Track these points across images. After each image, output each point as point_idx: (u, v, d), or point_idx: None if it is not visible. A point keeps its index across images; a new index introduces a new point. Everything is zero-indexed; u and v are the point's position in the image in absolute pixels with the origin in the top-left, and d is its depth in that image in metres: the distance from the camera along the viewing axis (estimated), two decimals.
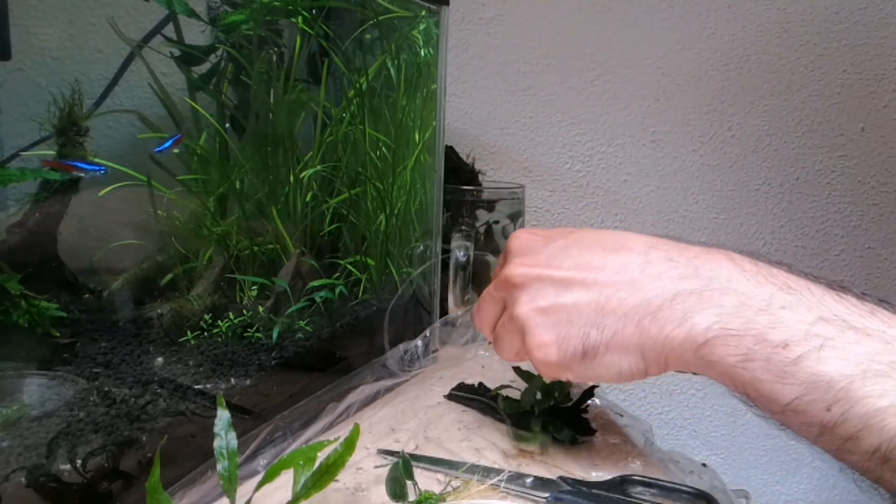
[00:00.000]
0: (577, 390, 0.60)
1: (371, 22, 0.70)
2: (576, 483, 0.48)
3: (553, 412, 0.57)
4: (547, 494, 0.47)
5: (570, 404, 0.58)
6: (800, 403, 0.38)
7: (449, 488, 0.47)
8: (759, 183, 1.15)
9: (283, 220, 0.63)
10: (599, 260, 0.45)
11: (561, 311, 0.45)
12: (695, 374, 0.43)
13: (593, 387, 0.59)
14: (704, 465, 0.55)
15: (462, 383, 0.65)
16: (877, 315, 0.38)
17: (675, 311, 0.41)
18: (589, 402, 0.59)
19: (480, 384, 0.64)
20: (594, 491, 0.47)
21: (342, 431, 0.54)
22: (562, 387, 0.58)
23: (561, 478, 0.49)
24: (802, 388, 0.37)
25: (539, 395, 0.58)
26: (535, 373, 0.58)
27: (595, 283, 0.44)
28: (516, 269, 0.47)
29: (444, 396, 0.64)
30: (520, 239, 0.50)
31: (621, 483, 0.49)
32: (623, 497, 0.47)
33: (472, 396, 0.63)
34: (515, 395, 0.60)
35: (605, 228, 1.13)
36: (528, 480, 0.49)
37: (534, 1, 1.06)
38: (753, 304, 0.40)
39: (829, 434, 0.37)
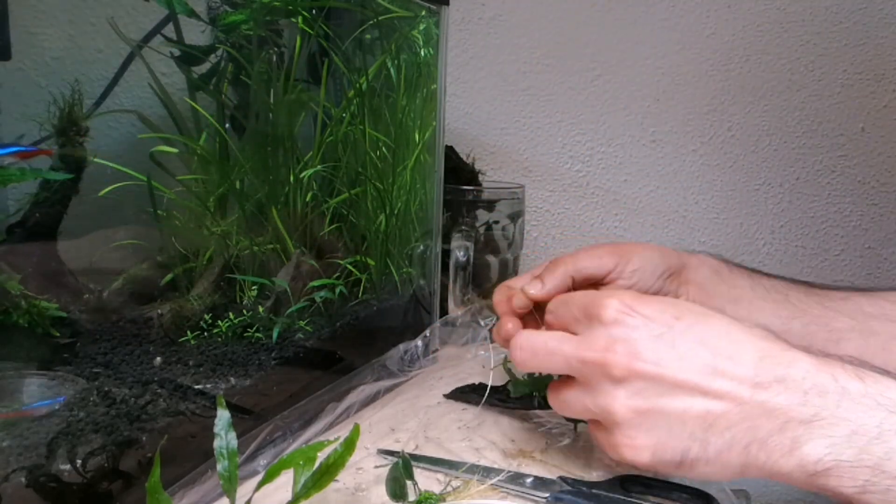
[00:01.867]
0: None
1: (371, 22, 0.70)
2: (576, 483, 0.48)
3: None
4: (547, 494, 0.47)
5: None
6: None
7: (449, 488, 0.47)
8: (759, 183, 1.15)
9: (283, 220, 0.62)
10: (709, 366, 0.41)
11: (661, 417, 0.42)
12: None
13: None
14: None
15: (461, 386, 0.65)
16: None
17: (784, 438, 0.40)
18: None
19: (480, 384, 0.64)
20: (594, 491, 0.47)
21: (342, 431, 0.54)
22: None
23: (561, 478, 0.49)
24: None
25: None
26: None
27: (703, 394, 0.41)
28: (618, 357, 0.42)
29: (444, 396, 0.64)
30: (617, 315, 0.44)
31: (621, 483, 0.49)
32: (623, 497, 0.47)
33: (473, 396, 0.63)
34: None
35: (606, 229, 1.13)
36: (528, 480, 0.49)
37: (534, 1, 1.06)
38: (865, 431, 0.38)
39: None
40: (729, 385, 0.41)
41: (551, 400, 0.48)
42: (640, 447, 0.42)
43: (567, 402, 0.46)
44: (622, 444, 0.43)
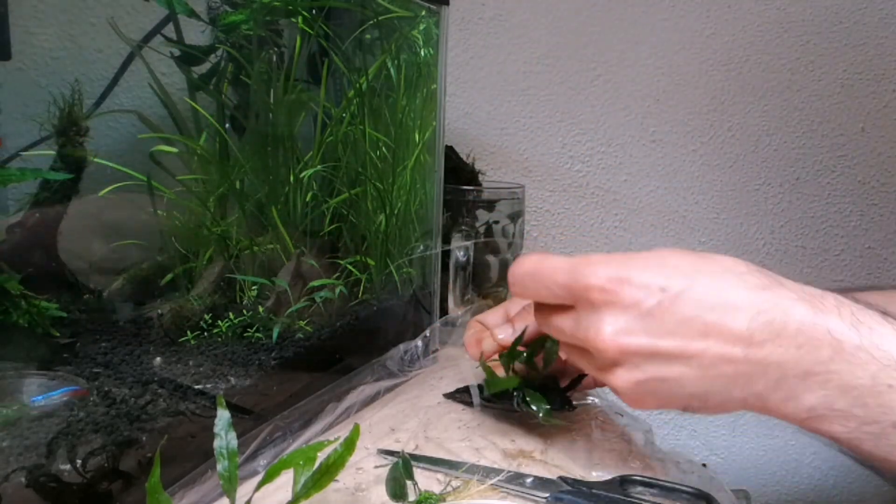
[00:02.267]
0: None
1: (371, 22, 0.70)
2: (576, 483, 0.48)
3: (535, 387, 0.56)
4: (547, 494, 0.47)
5: (559, 387, 0.58)
6: None
7: (449, 488, 0.47)
8: (759, 183, 1.15)
9: (283, 220, 0.62)
10: (702, 332, 0.42)
11: (661, 384, 0.43)
12: None
13: (582, 375, 0.59)
14: (704, 465, 0.55)
15: (460, 387, 0.65)
16: None
17: (779, 392, 0.41)
18: (583, 398, 0.59)
19: (479, 385, 0.64)
20: (594, 491, 0.47)
21: (342, 431, 0.54)
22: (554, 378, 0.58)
23: (561, 478, 0.49)
24: None
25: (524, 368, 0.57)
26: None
27: (698, 359, 0.42)
28: (608, 342, 0.43)
29: (444, 395, 0.64)
30: (604, 296, 0.43)
31: (621, 483, 0.49)
32: (623, 497, 0.47)
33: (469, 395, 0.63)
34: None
35: (606, 229, 1.13)
36: (528, 480, 0.49)
37: (534, 1, 1.06)
38: (859, 384, 0.39)
39: None
40: (723, 347, 0.42)
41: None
42: (645, 405, 0.45)
43: (578, 364, 0.49)
44: (629, 402, 0.46)
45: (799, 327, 0.41)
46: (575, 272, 0.45)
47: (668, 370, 0.43)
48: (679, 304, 0.42)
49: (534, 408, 0.54)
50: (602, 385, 0.55)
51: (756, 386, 0.42)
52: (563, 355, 0.52)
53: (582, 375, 0.59)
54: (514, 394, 0.56)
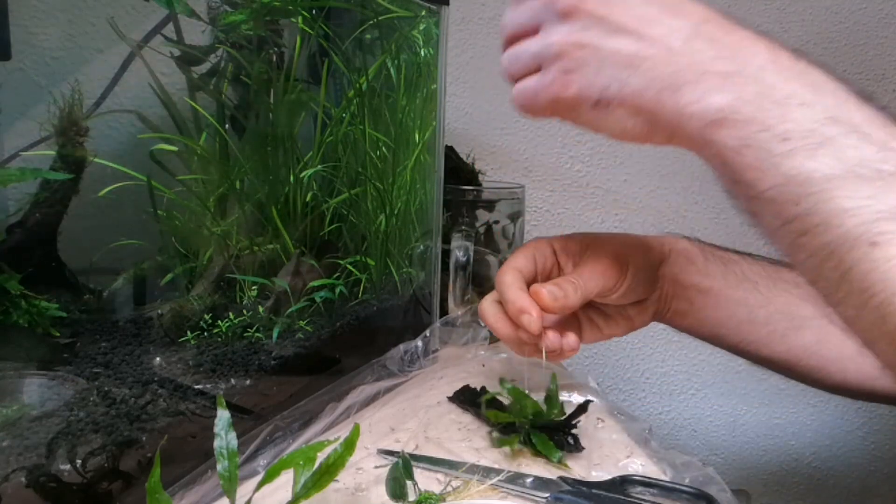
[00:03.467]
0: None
1: (371, 22, 0.70)
2: (576, 483, 0.48)
3: (540, 426, 0.55)
4: (547, 494, 0.47)
5: (562, 419, 0.56)
6: (773, 193, 0.38)
7: (449, 488, 0.47)
8: None
9: (283, 220, 0.63)
10: (653, 16, 0.43)
11: (594, 54, 0.43)
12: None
13: (587, 402, 0.58)
14: (704, 464, 0.55)
15: (467, 386, 0.64)
16: (889, 128, 0.38)
17: (697, 89, 0.41)
18: (581, 418, 0.57)
19: (483, 388, 0.64)
20: (594, 491, 0.48)
21: (342, 432, 0.54)
22: (552, 404, 0.57)
23: (561, 478, 0.49)
24: (782, 179, 0.38)
25: (530, 415, 0.55)
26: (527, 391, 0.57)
27: (638, 37, 0.42)
28: None
29: (448, 398, 0.64)
30: None
31: (621, 483, 0.49)
32: (623, 497, 0.47)
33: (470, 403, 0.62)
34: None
35: (606, 229, 1.13)
36: (528, 480, 0.49)
37: None
38: (772, 95, 0.40)
39: (789, 227, 0.38)
40: (665, 31, 0.42)
41: (505, 57, 0.49)
42: (570, 81, 0.44)
43: (517, 54, 0.48)
44: (555, 78, 0.44)
45: (741, 38, 0.42)
46: None
47: (608, 41, 0.43)
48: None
49: (542, 451, 0.53)
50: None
51: (678, 78, 0.41)
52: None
53: (584, 406, 0.57)
54: (517, 429, 0.55)
